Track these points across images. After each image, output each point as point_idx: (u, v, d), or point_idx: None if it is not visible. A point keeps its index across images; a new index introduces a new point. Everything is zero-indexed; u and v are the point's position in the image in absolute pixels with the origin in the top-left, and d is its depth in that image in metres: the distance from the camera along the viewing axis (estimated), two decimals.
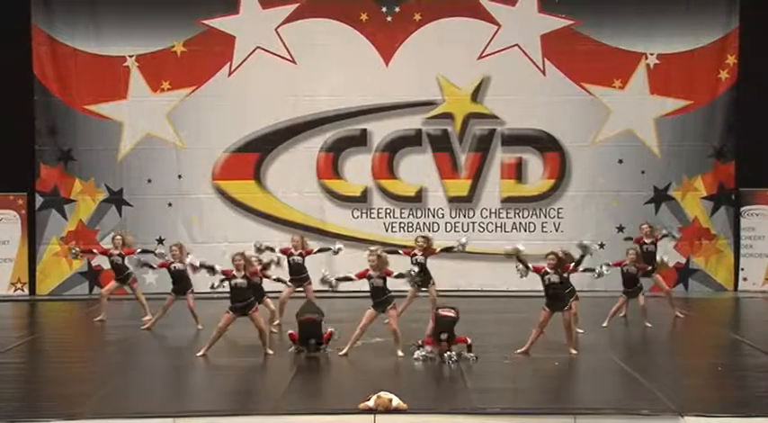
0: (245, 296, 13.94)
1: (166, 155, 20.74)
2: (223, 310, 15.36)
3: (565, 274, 13.89)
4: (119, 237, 17.44)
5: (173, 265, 16.42)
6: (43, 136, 20.62)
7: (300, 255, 16.62)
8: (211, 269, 13.97)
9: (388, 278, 14.05)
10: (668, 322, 16.98)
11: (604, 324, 16.30)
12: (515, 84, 20.77)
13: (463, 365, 13.26)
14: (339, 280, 14.11)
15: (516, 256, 14.12)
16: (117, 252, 17.17)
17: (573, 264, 13.98)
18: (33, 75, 20.52)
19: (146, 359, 14.56)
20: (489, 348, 14.48)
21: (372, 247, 14.38)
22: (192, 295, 16.51)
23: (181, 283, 16.39)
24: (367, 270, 14.05)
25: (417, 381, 12.69)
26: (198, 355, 14.06)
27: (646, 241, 17.41)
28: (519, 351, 14.08)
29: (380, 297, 14.06)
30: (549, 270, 13.86)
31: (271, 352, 14.15)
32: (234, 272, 13.89)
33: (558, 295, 13.88)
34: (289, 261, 16.54)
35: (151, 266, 17.01)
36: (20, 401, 11.77)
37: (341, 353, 14.01)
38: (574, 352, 14.04)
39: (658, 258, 17.45)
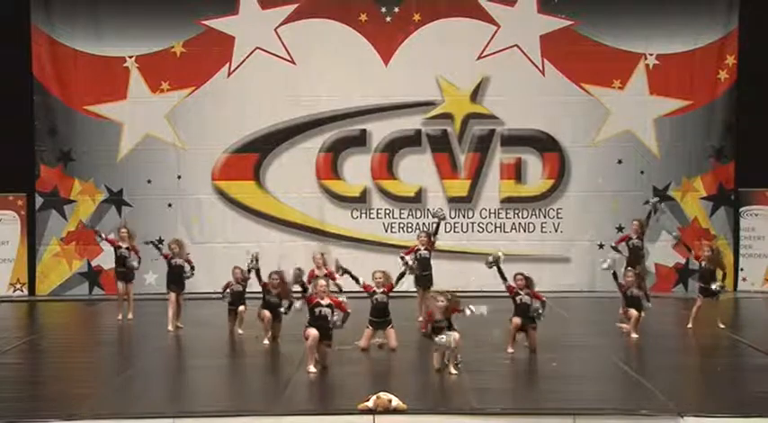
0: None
1: (166, 155, 20.71)
2: (221, 311, 15.45)
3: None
4: (124, 229, 17.52)
5: (173, 259, 16.48)
6: (43, 136, 20.59)
7: (326, 275, 15.30)
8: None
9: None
10: (668, 322, 16.99)
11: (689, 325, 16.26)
12: (515, 84, 20.74)
13: (461, 367, 13.25)
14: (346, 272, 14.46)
15: (496, 263, 14.28)
16: (125, 245, 17.29)
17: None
18: (33, 75, 20.49)
19: (146, 359, 14.55)
20: (488, 348, 14.47)
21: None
22: (182, 296, 16.57)
23: (178, 278, 16.39)
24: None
25: (417, 381, 12.68)
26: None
27: (632, 237, 17.50)
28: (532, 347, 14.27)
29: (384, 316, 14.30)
30: (520, 291, 14.18)
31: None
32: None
33: (528, 314, 14.12)
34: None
35: (157, 247, 17.29)
36: (20, 401, 11.77)
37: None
38: (511, 351, 14.09)
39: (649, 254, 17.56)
